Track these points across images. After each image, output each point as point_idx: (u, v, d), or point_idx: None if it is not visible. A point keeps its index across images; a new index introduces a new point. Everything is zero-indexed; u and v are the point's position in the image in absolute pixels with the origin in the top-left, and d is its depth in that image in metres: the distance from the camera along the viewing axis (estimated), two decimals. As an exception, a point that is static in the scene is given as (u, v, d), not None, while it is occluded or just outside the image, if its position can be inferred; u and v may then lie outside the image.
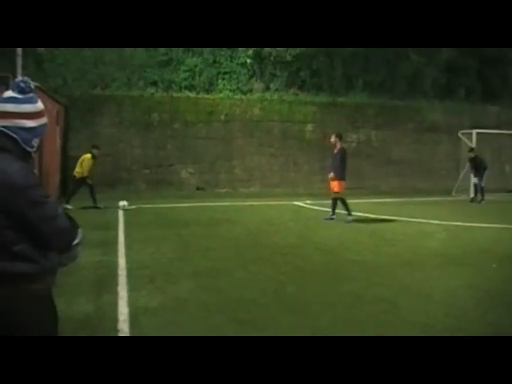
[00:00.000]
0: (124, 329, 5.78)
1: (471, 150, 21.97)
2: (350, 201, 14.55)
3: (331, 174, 14.47)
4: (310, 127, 25.08)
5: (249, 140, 24.24)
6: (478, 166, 21.29)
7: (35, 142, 3.03)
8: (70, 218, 3.12)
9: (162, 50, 24.44)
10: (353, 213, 14.39)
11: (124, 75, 23.74)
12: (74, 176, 17.12)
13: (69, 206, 15.95)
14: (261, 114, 24.54)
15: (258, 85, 25.55)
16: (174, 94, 23.84)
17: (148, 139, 22.85)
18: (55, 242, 3.00)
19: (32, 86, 3.03)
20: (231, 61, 25.50)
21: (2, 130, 2.91)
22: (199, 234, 12.32)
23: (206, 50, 24.98)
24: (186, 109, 23.41)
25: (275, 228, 13.33)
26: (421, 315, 6.33)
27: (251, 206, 18.52)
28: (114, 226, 13.01)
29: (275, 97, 25.13)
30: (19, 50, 13.92)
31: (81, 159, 17.01)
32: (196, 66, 25.00)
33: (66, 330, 3.37)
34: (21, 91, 2.96)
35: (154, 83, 24.17)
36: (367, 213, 15.52)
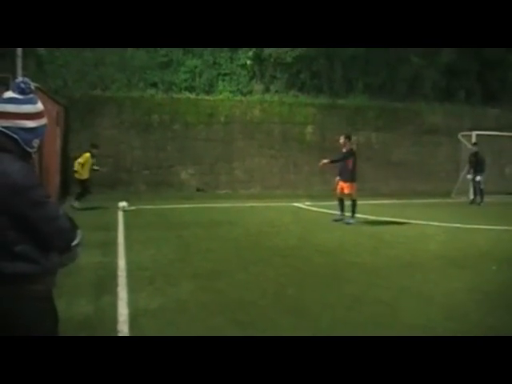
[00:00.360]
0: (124, 330, 5.78)
1: (475, 144, 22.01)
2: (349, 202, 14.57)
3: (338, 178, 14.59)
4: (310, 129, 25.08)
5: (249, 141, 24.23)
6: (479, 162, 21.28)
7: (35, 142, 3.03)
8: (70, 219, 3.13)
9: (162, 51, 24.45)
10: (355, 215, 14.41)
11: (124, 76, 23.74)
12: (80, 178, 17.04)
13: (77, 206, 16.24)
14: (261, 115, 24.53)
15: (258, 86, 25.55)
16: (174, 96, 23.84)
17: (148, 140, 22.83)
18: (56, 242, 3.01)
19: (32, 87, 3.04)
20: (231, 62, 25.51)
21: (2, 131, 2.92)
22: (199, 235, 12.32)
23: (206, 52, 24.99)
24: (186, 110, 23.40)
25: (275, 230, 13.33)
26: (420, 318, 6.33)
27: (251, 207, 18.52)
28: (113, 227, 13.01)
29: (275, 98, 25.13)
30: (19, 51, 13.89)
31: (82, 160, 16.94)
32: (196, 67, 25.00)
33: (66, 330, 3.37)
34: (21, 92, 2.97)
35: (154, 84, 24.17)
36: (367, 215, 15.51)
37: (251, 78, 25.67)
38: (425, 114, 26.87)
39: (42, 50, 21.17)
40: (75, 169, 16.88)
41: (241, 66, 25.55)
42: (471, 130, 23.86)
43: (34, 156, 3.13)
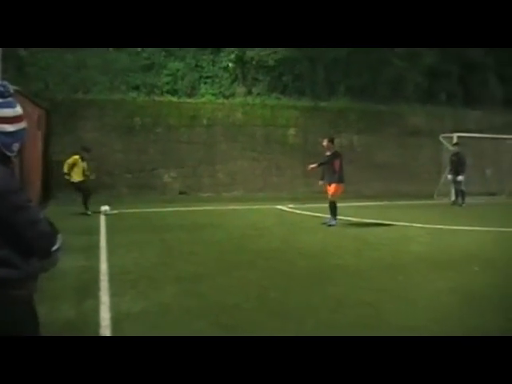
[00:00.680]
0: (106, 334, 5.73)
1: (456, 144, 22.14)
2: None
3: (322, 181, 14.61)
4: (292, 131, 25.12)
5: (231, 144, 24.21)
6: (460, 162, 21.39)
7: (15, 146, 3.00)
8: (51, 224, 3.10)
9: (145, 54, 24.41)
10: (337, 217, 14.42)
11: (106, 79, 23.64)
12: (72, 181, 16.77)
13: (89, 212, 16.30)
14: (243, 118, 24.53)
15: (240, 89, 25.56)
16: (157, 98, 23.78)
17: (130, 143, 22.75)
18: (38, 246, 2.98)
19: (11, 91, 3.01)
20: (213, 65, 25.51)
21: (-20, 135, 2.88)
22: (182, 238, 12.28)
23: (189, 55, 24.97)
24: (168, 113, 23.35)
25: (258, 232, 13.32)
26: (404, 319, 6.33)
27: (234, 210, 18.50)
28: (96, 231, 12.93)
29: (257, 101, 25.16)
30: (-1, 53, 13.77)
31: (70, 160, 16.75)
32: (178, 70, 24.97)
33: (47, 335, 3.33)
34: (0, 95, 2.94)
35: (137, 87, 24.10)
36: (350, 217, 15.54)
37: (233, 81, 25.68)
38: (407, 116, 27.04)
39: (22, 52, 21.04)
40: (65, 171, 16.67)
41: (223, 69, 25.56)
42: (453, 131, 24.02)
43: (14, 160, 3.10)
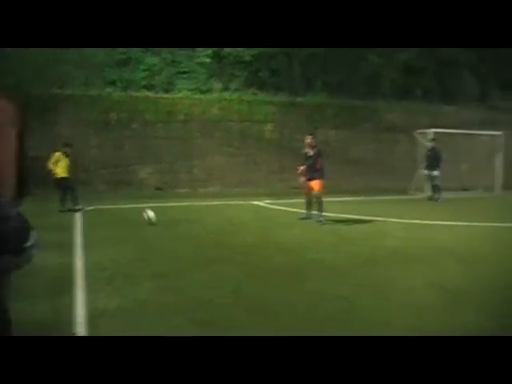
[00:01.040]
0: (81, 332, 5.68)
1: (433, 139, 22.31)
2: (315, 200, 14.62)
3: (304, 178, 14.67)
4: (269, 127, 25.16)
5: (208, 140, 24.19)
6: (436, 157, 21.58)
7: (-15, 141, 2.96)
8: (24, 220, 3.05)
9: (121, 49, 24.24)
10: (312, 212, 14.48)
11: (82, 74, 23.48)
12: (57, 177, 16.60)
13: (79, 206, 16.19)
14: (220, 113, 24.52)
15: (217, 84, 25.53)
16: (133, 94, 23.69)
17: (106, 139, 22.64)
18: (10, 242, 2.94)
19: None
20: (190, 60, 25.45)
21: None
22: (159, 234, 12.23)
23: (165, 50, 24.88)
24: (144, 108, 23.26)
25: (235, 228, 13.32)
26: (380, 314, 6.36)
27: (211, 205, 18.48)
28: (71, 228, 12.84)
29: (234, 96, 25.15)
30: (-31, 49, 13.61)
31: (54, 159, 16.58)
32: (155, 65, 24.88)
33: (20, 333, 3.29)
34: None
35: (113, 82, 23.98)
36: (327, 212, 15.58)
37: (210, 76, 25.65)
38: (383, 111, 27.20)
39: (-5, 47, 20.75)
40: (50, 167, 16.47)
41: (200, 64, 25.50)
42: (428, 127, 24.22)
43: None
